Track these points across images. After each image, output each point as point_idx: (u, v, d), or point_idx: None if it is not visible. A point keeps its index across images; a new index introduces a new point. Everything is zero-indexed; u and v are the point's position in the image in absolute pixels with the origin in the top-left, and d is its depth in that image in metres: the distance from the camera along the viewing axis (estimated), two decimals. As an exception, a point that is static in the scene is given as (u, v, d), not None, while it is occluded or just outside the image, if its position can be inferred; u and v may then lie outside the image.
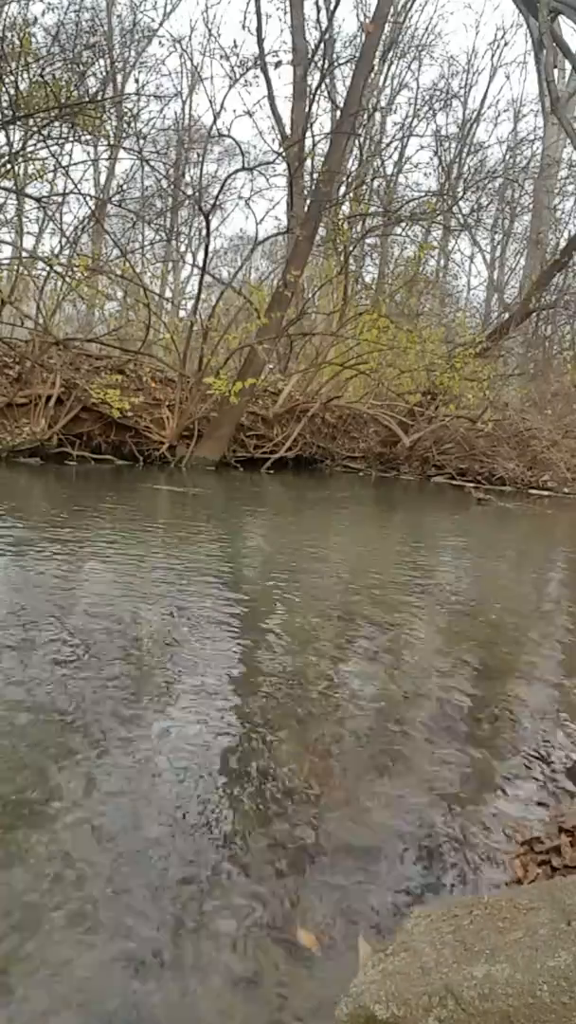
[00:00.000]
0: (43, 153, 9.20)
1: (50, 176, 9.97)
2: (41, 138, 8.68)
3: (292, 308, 10.47)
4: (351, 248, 11.62)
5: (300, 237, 9.90)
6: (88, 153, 14.22)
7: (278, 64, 11.34)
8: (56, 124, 8.54)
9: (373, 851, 1.60)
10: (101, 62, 11.93)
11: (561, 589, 4.93)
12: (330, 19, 12.28)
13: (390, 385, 11.67)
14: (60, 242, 10.29)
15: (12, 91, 7.83)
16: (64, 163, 9.82)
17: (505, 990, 0.99)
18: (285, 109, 12.33)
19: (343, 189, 12.31)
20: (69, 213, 22.61)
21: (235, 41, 19.46)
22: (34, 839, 1.50)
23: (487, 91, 35.28)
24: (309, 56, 11.44)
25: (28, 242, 11.94)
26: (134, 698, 2.22)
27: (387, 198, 14.88)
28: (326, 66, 12.18)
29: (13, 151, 8.44)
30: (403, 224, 13.48)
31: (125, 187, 14.94)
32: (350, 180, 13.22)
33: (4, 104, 7.88)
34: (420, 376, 11.44)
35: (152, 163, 10.97)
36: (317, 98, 11.67)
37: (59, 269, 9.33)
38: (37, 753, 1.84)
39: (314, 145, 11.39)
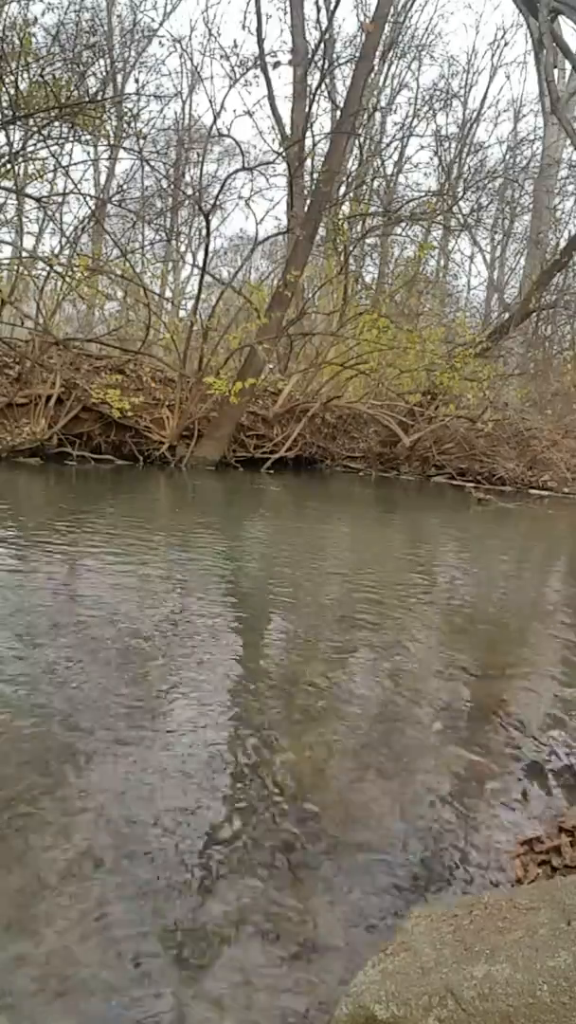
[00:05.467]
0: (43, 153, 9.20)
1: (50, 176, 9.97)
2: (41, 138, 8.67)
3: (292, 308, 10.46)
4: (351, 248, 11.61)
5: (300, 237, 9.89)
6: (88, 153, 14.21)
7: (278, 64, 11.30)
8: (56, 124, 8.53)
9: (372, 850, 1.60)
10: (101, 62, 11.92)
11: (561, 589, 4.93)
12: (330, 19, 12.26)
13: (390, 385, 11.66)
14: (60, 242, 10.29)
15: (12, 91, 7.82)
16: (64, 163, 9.81)
17: (505, 990, 0.99)
18: (285, 109, 12.33)
19: (343, 189, 12.30)
20: (69, 213, 22.61)
21: (235, 41, 19.31)
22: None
23: (487, 91, 35.26)
24: (309, 56, 11.43)
25: (28, 242, 11.93)
26: (135, 698, 2.22)
27: (387, 198, 14.88)
28: (326, 66, 12.16)
29: (13, 151, 8.43)
30: (403, 224, 13.47)
31: (125, 187, 14.90)
32: (350, 180, 13.21)
33: (4, 104, 7.87)
34: (420, 376, 11.43)
35: (152, 163, 10.95)
36: (317, 98, 11.65)
37: (59, 269, 9.32)
38: (44, 751, 1.84)
39: (314, 145, 11.38)
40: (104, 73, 12.18)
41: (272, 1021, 1.15)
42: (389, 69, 17.78)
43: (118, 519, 5.58)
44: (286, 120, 12.19)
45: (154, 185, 13.08)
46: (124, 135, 10.67)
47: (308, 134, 10.92)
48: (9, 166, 8.55)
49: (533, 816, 1.80)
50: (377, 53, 12.86)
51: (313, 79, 11.41)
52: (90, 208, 10.51)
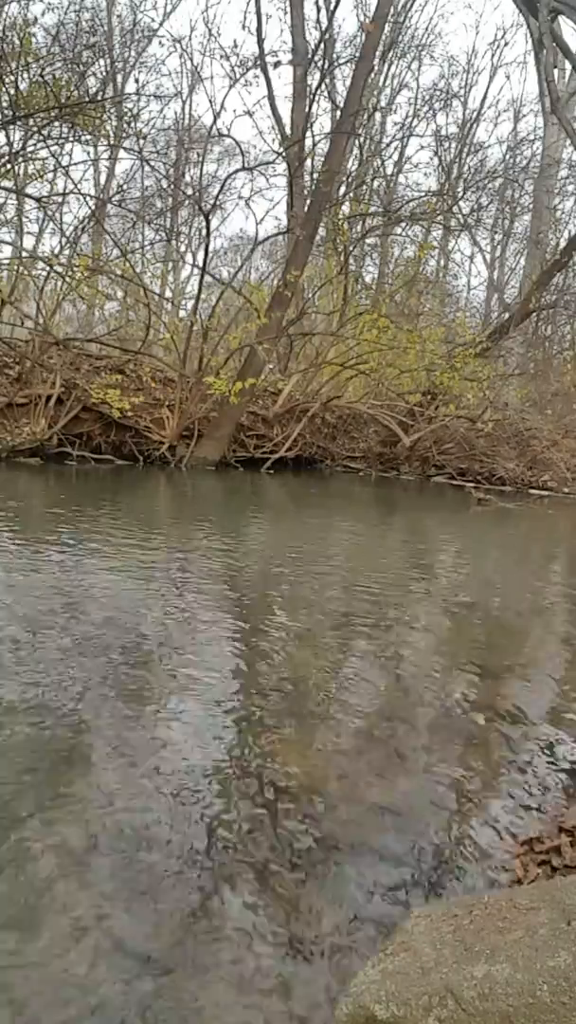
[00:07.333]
0: (43, 153, 9.20)
1: (50, 176, 9.97)
2: (41, 138, 8.67)
3: (292, 308, 10.46)
4: (351, 248, 11.62)
5: (300, 237, 9.90)
6: (88, 153, 14.22)
7: (278, 64, 11.30)
8: (56, 124, 8.53)
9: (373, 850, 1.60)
10: (101, 62, 11.93)
11: (561, 589, 4.93)
12: (330, 19, 12.28)
13: (390, 385, 11.67)
14: (60, 242, 10.30)
15: (12, 91, 7.82)
16: (64, 163, 9.83)
17: (505, 990, 0.99)
18: (285, 109, 12.34)
19: (343, 189, 12.31)
20: (69, 213, 22.62)
21: (235, 41, 19.34)
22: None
23: (487, 91, 35.36)
24: (309, 56, 11.43)
25: (28, 242, 11.93)
26: (135, 697, 2.22)
27: (387, 198, 14.89)
28: (326, 66, 12.16)
29: (13, 151, 8.43)
30: (403, 224, 13.48)
31: (125, 187, 14.90)
32: (350, 180, 13.22)
33: (4, 104, 7.87)
34: (420, 376, 11.44)
35: (152, 163, 10.95)
36: (317, 98, 11.66)
37: (59, 269, 9.33)
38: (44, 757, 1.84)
39: (314, 145, 11.40)
40: (104, 73, 12.19)
41: (273, 1021, 1.15)
42: (389, 69, 17.81)
43: (118, 519, 5.58)
44: (286, 120, 12.21)
45: (154, 185, 13.08)
46: (124, 135, 10.67)
47: (308, 134, 10.94)
48: (9, 166, 8.55)
49: (533, 816, 1.80)
50: (377, 53, 12.87)
51: (313, 79, 11.42)
52: (90, 208, 10.52)
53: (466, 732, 2.24)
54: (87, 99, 8.70)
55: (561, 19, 12.15)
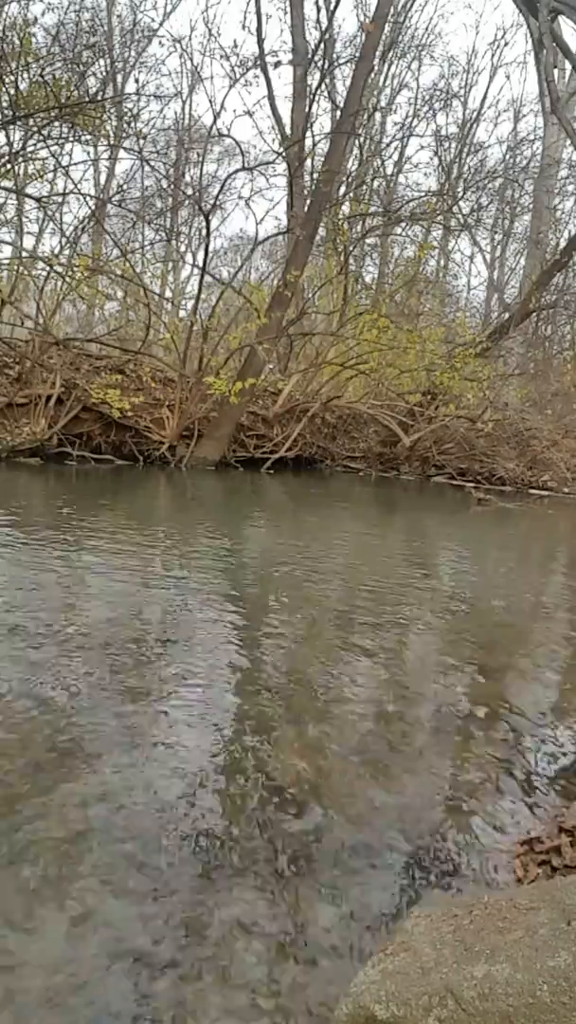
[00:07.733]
0: (43, 153, 9.21)
1: (50, 176, 9.97)
2: (41, 138, 8.67)
3: (292, 308, 10.46)
4: (351, 248, 11.62)
5: (300, 237, 9.90)
6: (88, 153, 14.21)
7: (278, 64, 11.30)
8: (56, 124, 8.53)
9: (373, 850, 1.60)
10: (101, 62, 11.93)
11: (562, 589, 4.93)
12: (330, 19, 12.28)
13: (390, 385, 11.67)
14: (60, 242, 10.30)
15: (12, 91, 7.81)
16: (64, 163, 9.82)
17: (505, 990, 0.99)
18: (285, 109, 12.34)
19: (343, 189, 12.31)
20: (69, 213, 22.61)
21: (235, 41, 19.33)
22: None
23: (487, 91, 35.40)
24: (309, 56, 11.43)
25: (28, 242, 11.94)
26: (135, 697, 2.22)
27: (387, 198, 14.89)
28: (326, 66, 12.16)
29: (13, 151, 8.43)
30: (403, 224, 13.48)
31: (125, 187, 14.90)
32: (350, 180, 13.22)
33: (4, 104, 7.87)
34: (420, 376, 11.43)
35: (152, 163, 10.94)
36: (317, 98, 11.66)
37: (59, 269, 9.32)
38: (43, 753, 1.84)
39: (314, 145, 11.40)
40: (104, 73, 12.18)
41: (272, 1021, 1.15)
42: (389, 69, 17.81)
43: (118, 519, 5.58)
44: (286, 120, 12.20)
45: (154, 185, 13.08)
46: (124, 135, 10.67)
47: (308, 134, 10.94)
48: (9, 166, 8.55)
49: (533, 816, 1.80)
50: (377, 53, 12.87)
51: (313, 79, 11.42)
52: (90, 208, 10.51)
53: (466, 731, 2.24)
54: (87, 99, 8.70)
55: (561, 19, 12.14)
